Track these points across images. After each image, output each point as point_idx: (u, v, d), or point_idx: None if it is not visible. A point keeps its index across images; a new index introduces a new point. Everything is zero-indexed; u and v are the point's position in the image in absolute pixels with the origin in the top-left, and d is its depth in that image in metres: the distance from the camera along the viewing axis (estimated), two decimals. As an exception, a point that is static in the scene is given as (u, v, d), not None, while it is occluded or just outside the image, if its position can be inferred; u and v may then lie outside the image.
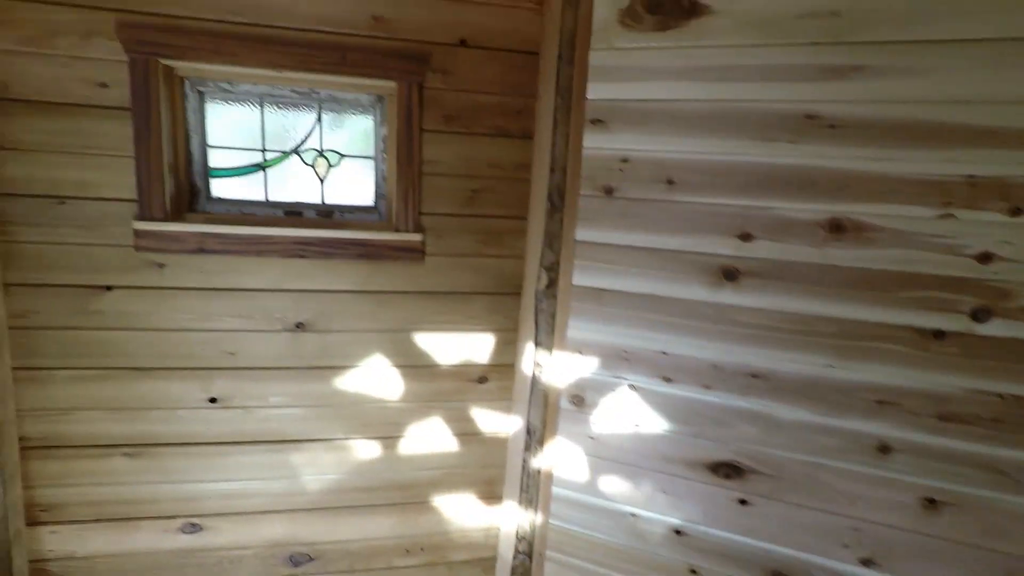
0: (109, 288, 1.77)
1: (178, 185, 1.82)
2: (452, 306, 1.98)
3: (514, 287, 2.01)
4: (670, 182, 1.85)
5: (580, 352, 2.05)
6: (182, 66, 1.74)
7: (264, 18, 1.70)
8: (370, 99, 1.92)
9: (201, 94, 1.85)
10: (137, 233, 1.74)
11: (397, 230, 1.89)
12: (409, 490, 2.10)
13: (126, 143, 1.69)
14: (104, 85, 1.65)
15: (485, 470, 2.15)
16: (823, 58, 1.54)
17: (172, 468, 1.92)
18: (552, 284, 2.03)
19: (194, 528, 1.97)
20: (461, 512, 2.17)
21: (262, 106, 1.91)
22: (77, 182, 1.69)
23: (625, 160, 1.89)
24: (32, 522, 1.87)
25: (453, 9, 1.79)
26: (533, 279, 2.02)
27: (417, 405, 2.03)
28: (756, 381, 1.68)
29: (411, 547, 2.14)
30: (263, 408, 1.93)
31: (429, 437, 2.08)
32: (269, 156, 1.95)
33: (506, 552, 2.10)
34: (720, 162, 1.78)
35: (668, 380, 1.80)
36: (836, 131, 1.54)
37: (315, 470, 2.01)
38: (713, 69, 1.74)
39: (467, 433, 2.10)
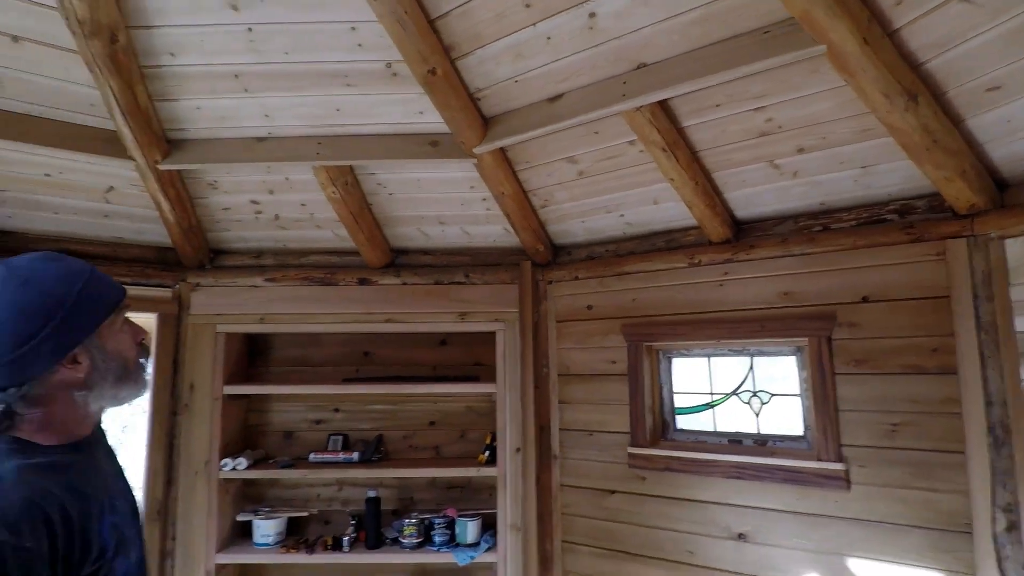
0: (612, 492, 2.65)
1: (654, 421, 2.66)
2: (885, 537, 2.05)
3: (961, 525, 1.95)
4: None
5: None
6: (657, 344, 2.66)
7: (705, 308, 2.49)
8: (791, 348, 2.41)
9: (669, 359, 2.72)
10: (630, 455, 2.61)
11: (820, 459, 2.18)
12: None
13: (624, 396, 2.65)
14: (613, 362, 2.70)
15: None
16: None
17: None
18: (1013, 527, 1.87)
19: None
20: None
21: (709, 360, 2.64)
22: (599, 421, 2.72)
23: (1080, 393, 1.74)
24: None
25: (852, 276, 2.18)
26: (986, 520, 1.91)
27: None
28: None
29: None
30: (716, 606, 2.36)
31: None
32: (716, 397, 2.61)
33: None
34: None
35: None
36: None
37: None
38: None
39: None
